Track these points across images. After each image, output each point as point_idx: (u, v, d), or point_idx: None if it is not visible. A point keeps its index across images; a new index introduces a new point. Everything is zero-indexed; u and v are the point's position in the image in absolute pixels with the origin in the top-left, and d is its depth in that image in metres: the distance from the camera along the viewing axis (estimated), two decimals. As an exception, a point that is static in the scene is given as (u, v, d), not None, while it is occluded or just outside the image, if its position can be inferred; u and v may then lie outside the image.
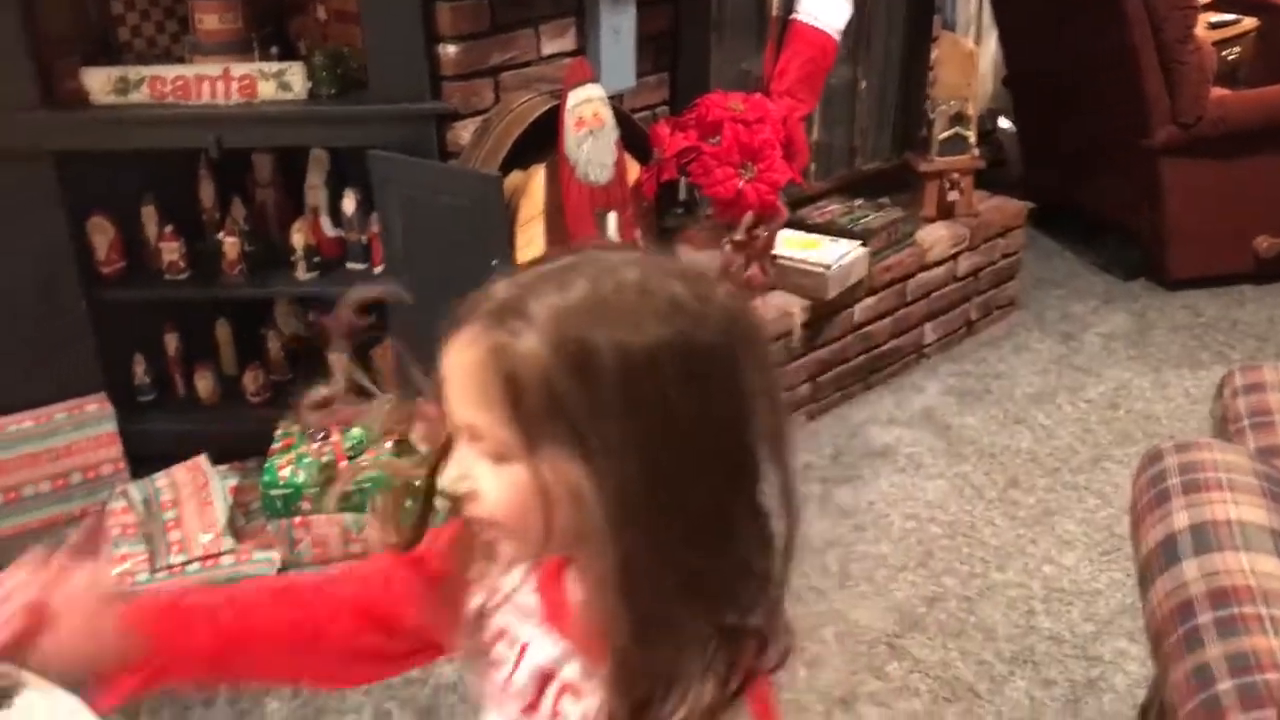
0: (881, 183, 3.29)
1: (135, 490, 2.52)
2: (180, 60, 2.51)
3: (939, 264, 3.15)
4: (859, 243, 2.89)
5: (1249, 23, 3.97)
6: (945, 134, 3.14)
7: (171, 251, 2.60)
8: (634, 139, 2.58)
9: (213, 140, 2.43)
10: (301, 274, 2.62)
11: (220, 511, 2.43)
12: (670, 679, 0.77)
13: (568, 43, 2.57)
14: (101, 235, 2.57)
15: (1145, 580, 1.39)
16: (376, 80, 2.44)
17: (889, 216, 3.03)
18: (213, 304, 2.76)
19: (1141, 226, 3.58)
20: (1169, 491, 1.43)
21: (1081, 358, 3.22)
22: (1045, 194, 3.68)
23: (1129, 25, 3.24)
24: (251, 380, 2.72)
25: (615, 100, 2.51)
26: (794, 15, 2.76)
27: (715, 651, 0.78)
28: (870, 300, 2.97)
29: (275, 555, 2.38)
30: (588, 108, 2.41)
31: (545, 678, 0.88)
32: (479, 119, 2.47)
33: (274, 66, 2.45)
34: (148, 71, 2.44)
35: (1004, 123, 4.27)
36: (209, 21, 2.46)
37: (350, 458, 2.40)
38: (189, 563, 2.32)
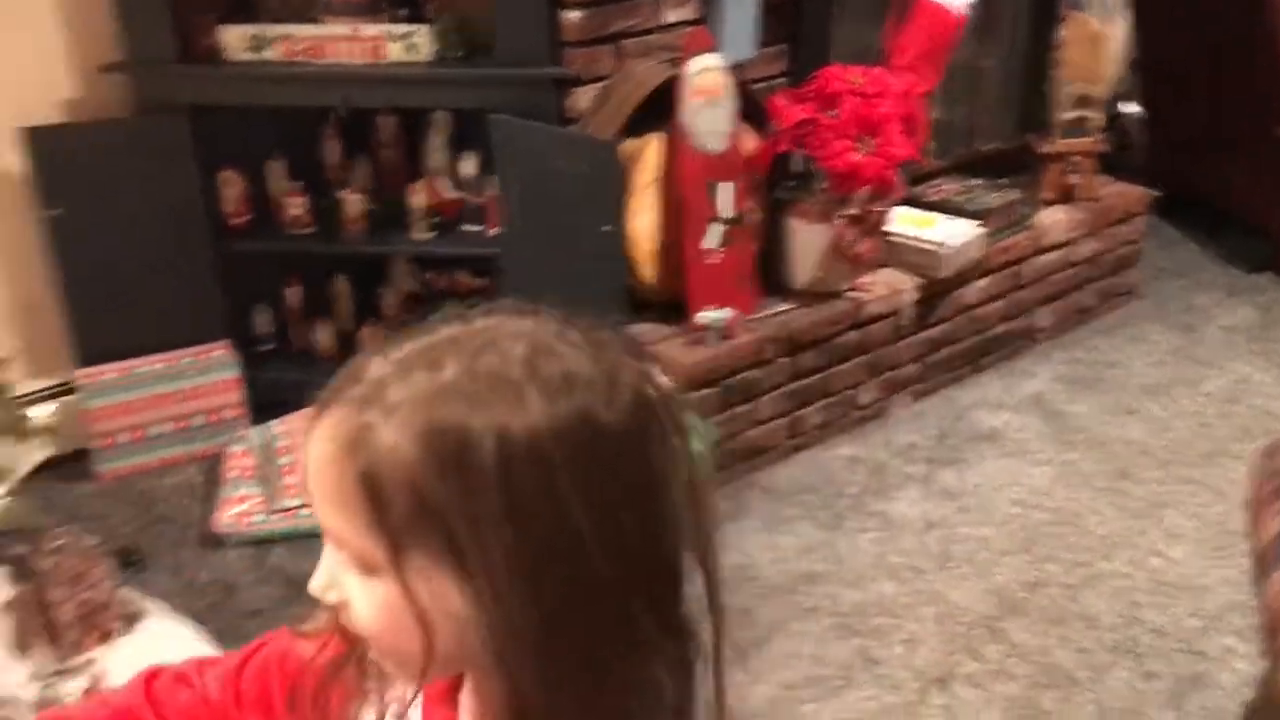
0: (1000, 163, 3.23)
1: (254, 435, 2.62)
2: (313, 20, 2.58)
3: (1056, 248, 3.08)
4: (976, 222, 2.84)
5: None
6: (1069, 116, 3.08)
7: (296, 206, 2.68)
8: (751, 110, 2.58)
9: (340, 99, 2.50)
10: (419, 234, 2.68)
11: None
12: None
13: (689, 11, 2.58)
14: (230, 188, 2.67)
15: (1260, 572, 1.36)
16: (502, 44, 2.48)
17: (1007, 197, 2.98)
18: (333, 259, 2.84)
19: (1270, 218, 3.46)
20: (1290, 482, 1.40)
21: (1201, 350, 3.13)
22: (1170, 182, 3.57)
23: (1269, 9, 3.13)
24: (368, 335, 2.79)
25: (734, 70, 2.51)
26: (918, -10, 2.73)
27: None
28: (983, 282, 2.93)
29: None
30: (706, 77, 2.41)
31: None
32: (599, 85, 2.49)
33: (402, 28, 2.51)
34: (281, 30, 2.52)
35: (1131, 107, 4.15)
36: (341, -17, 2.52)
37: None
38: (302, 506, 2.40)
